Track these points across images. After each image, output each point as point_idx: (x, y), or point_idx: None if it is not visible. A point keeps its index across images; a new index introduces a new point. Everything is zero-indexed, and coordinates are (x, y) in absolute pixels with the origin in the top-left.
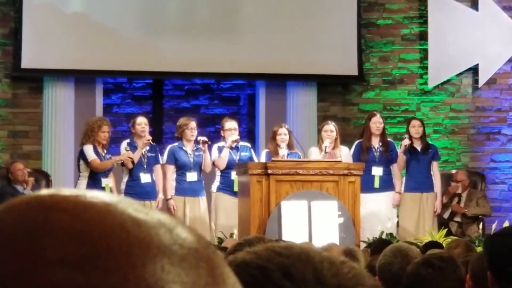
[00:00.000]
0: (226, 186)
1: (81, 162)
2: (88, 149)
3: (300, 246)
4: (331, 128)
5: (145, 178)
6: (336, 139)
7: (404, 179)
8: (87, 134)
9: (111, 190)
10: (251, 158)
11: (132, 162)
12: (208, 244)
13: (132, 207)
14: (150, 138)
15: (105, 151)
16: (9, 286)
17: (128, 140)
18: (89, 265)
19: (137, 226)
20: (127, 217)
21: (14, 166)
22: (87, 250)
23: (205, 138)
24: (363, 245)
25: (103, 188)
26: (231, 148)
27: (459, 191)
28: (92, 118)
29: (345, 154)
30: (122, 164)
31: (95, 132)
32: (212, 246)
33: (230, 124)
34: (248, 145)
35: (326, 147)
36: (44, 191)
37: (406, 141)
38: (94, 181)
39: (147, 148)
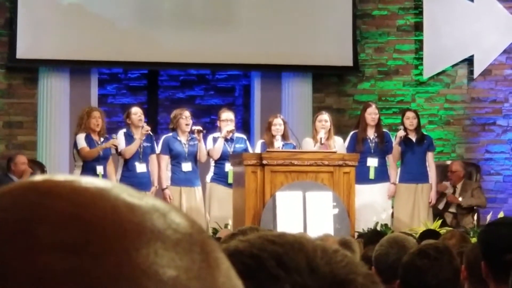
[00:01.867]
0: (220, 177)
1: (75, 151)
2: (79, 138)
3: (293, 235)
4: (325, 118)
5: (140, 168)
6: (330, 129)
7: (399, 170)
8: (78, 124)
9: (103, 177)
10: (246, 150)
11: (116, 149)
12: (202, 230)
13: (126, 192)
14: (149, 128)
15: (102, 139)
16: (2, 271)
17: (124, 130)
18: (83, 249)
19: (131, 211)
20: (121, 202)
21: (18, 158)
22: (81, 235)
23: (200, 127)
24: (357, 236)
25: (97, 175)
26: (226, 139)
27: (449, 190)
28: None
29: (339, 144)
30: (119, 154)
31: (85, 120)
32: (206, 231)
33: (227, 115)
34: (244, 137)
35: (321, 138)
36: (38, 177)
37: (401, 133)
38: (88, 170)
39: (142, 139)
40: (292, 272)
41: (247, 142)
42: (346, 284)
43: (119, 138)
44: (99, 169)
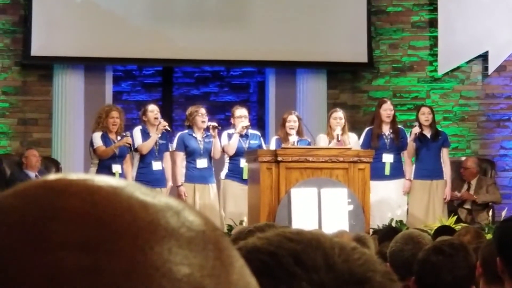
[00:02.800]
0: (235, 174)
1: (91, 149)
2: (96, 136)
3: (311, 232)
4: (339, 115)
5: (156, 165)
6: (344, 126)
7: (414, 166)
8: (96, 122)
9: (120, 176)
10: (260, 146)
11: (130, 147)
12: (216, 227)
13: (140, 191)
14: (166, 124)
15: (119, 138)
16: (16, 269)
17: (140, 127)
18: (96, 248)
19: (145, 209)
20: (134, 200)
21: (29, 152)
22: (94, 233)
23: (215, 124)
24: (372, 233)
25: (113, 175)
26: (241, 135)
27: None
28: (103, 105)
29: (353, 141)
30: (136, 150)
31: (103, 119)
32: (219, 229)
33: (240, 111)
34: (258, 133)
35: (338, 135)
36: (52, 176)
37: (416, 129)
38: (104, 168)
39: (159, 135)
40: (309, 270)
41: (261, 138)
42: (364, 282)
43: (135, 135)
44: (116, 167)
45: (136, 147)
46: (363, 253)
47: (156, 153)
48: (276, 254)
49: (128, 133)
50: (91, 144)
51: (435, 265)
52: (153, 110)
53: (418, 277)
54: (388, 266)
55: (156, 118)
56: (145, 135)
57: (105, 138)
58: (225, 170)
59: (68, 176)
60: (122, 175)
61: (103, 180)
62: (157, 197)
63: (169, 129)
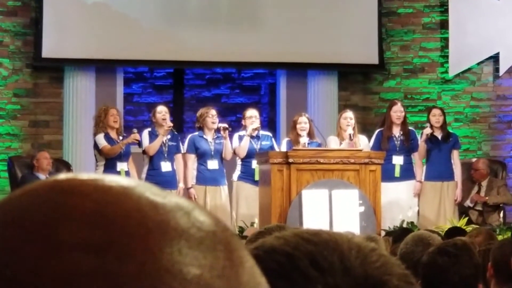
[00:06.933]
0: (247, 175)
1: (95, 152)
2: (99, 138)
3: (329, 232)
4: (350, 115)
5: (165, 166)
6: (354, 127)
7: (424, 168)
8: (97, 124)
9: (126, 175)
10: (272, 147)
11: (139, 144)
12: (226, 228)
13: (150, 191)
14: (171, 124)
15: (121, 138)
16: (26, 269)
17: (149, 129)
18: (106, 248)
19: (155, 209)
20: (144, 200)
21: (40, 154)
22: (104, 234)
23: (225, 125)
24: (384, 234)
25: (119, 173)
26: (252, 137)
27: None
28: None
29: (364, 143)
30: (144, 152)
31: (103, 118)
32: (230, 229)
33: (251, 112)
34: (269, 134)
35: (350, 134)
36: (61, 176)
37: (428, 130)
38: (110, 167)
39: (168, 136)
40: (325, 272)
41: (273, 139)
42: (380, 285)
43: (143, 137)
44: (122, 166)
45: (143, 148)
46: (381, 255)
47: (166, 155)
48: (293, 256)
49: (135, 130)
50: (95, 146)
51: (441, 267)
52: (161, 111)
53: (424, 280)
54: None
55: (164, 119)
56: (153, 137)
57: (107, 138)
58: (237, 172)
59: (78, 176)
60: (128, 173)
61: (113, 180)
62: (168, 197)
63: (174, 130)
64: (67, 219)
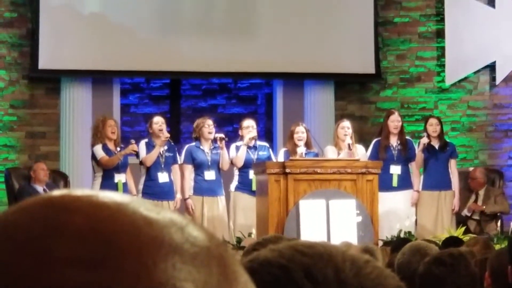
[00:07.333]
0: (245, 185)
1: (93, 163)
2: (97, 149)
3: (323, 245)
4: (347, 125)
5: (162, 177)
6: (352, 136)
7: (422, 177)
8: (94, 134)
9: (123, 186)
10: (269, 158)
11: (137, 155)
12: (220, 243)
13: (144, 207)
14: (168, 135)
15: (118, 149)
16: (20, 286)
17: (146, 140)
18: (101, 264)
19: (149, 225)
20: (138, 216)
21: (37, 165)
22: (99, 250)
23: (222, 135)
24: (381, 244)
25: (116, 184)
26: (249, 147)
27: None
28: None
29: (361, 153)
30: (141, 163)
31: (101, 129)
32: (223, 244)
33: (248, 122)
34: (266, 144)
35: (349, 144)
36: (56, 192)
37: (425, 140)
38: (108, 178)
39: (165, 147)
40: (320, 285)
41: (270, 149)
42: None
43: (140, 148)
44: (120, 177)
45: (140, 159)
46: (375, 267)
47: (162, 166)
48: (287, 268)
49: (133, 141)
50: (93, 157)
51: (438, 277)
52: (157, 122)
53: None
54: (399, 280)
55: (160, 130)
56: (150, 147)
57: (105, 149)
58: (234, 182)
59: (73, 192)
60: (125, 184)
61: (107, 196)
62: (162, 213)
63: (170, 141)
64: (61, 236)
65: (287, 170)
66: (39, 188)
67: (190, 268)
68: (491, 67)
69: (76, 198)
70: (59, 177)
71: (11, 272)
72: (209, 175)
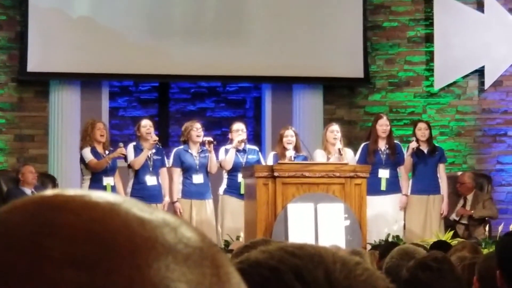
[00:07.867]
0: (233, 189)
1: (82, 166)
2: (85, 152)
3: (314, 246)
4: (336, 128)
5: (151, 181)
6: (341, 140)
7: (411, 181)
8: (83, 137)
9: (112, 189)
10: (259, 161)
11: (125, 158)
12: (213, 244)
13: (137, 207)
14: (157, 138)
15: (107, 152)
16: (14, 285)
17: (134, 143)
18: (94, 264)
19: (142, 226)
20: (131, 217)
21: (25, 168)
22: (92, 250)
23: (210, 138)
24: (369, 248)
25: (105, 187)
26: (238, 150)
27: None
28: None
29: (349, 157)
30: (129, 166)
31: (90, 132)
32: (216, 245)
33: (238, 126)
34: (256, 148)
35: (339, 149)
36: (48, 191)
37: (414, 144)
38: (96, 181)
39: (153, 151)
40: (310, 286)
41: (260, 153)
42: None
43: (129, 151)
44: (108, 180)
45: (128, 163)
46: (365, 268)
47: (151, 169)
48: (277, 269)
49: (121, 144)
50: (82, 160)
51: (423, 282)
52: (145, 125)
53: None
54: (389, 282)
55: (148, 133)
56: (138, 151)
57: (94, 152)
58: (223, 186)
59: (65, 192)
60: (114, 187)
61: (100, 196)
62: (155, 213)
63: (159, 144)
64: (55, 236)
65: (276, 174)
66: (28, 191)
67: (184, 269)
68: (480, 72)
69: (69, 198)
70: (47, 180)
71: (5, 272)
72: (197, 178)
